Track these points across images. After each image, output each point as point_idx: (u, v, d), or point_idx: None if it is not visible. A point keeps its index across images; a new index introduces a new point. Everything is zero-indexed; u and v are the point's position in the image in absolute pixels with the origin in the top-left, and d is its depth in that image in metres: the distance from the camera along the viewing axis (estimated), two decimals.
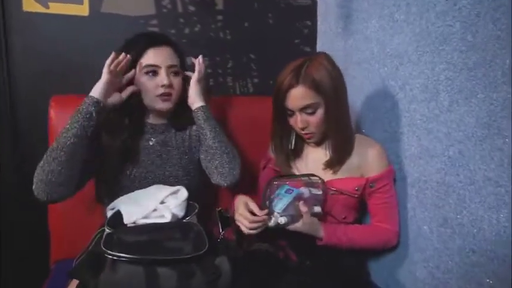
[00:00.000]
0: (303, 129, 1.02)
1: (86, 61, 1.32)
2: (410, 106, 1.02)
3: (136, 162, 1.05)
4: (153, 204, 0.91)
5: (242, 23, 1.53)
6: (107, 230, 0.85)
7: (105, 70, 0.95)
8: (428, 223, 0.97)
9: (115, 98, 0.99)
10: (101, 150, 1.01)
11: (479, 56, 0.80)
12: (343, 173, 1.06)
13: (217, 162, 1.04)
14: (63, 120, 1.16)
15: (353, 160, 1.06)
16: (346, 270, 1.04)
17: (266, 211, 0.95)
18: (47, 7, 1.32)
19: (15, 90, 1.33)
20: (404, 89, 1.04)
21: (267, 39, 1.55)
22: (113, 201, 0.99)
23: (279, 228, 0.96)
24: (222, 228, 1.05)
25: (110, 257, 0.76)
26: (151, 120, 1.10)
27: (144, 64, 1.02)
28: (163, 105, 1.05)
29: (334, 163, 1.06)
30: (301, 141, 1.11)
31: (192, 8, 1.46)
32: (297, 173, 1.10)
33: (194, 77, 1.09)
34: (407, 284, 1.06)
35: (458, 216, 0.87)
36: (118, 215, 0.90)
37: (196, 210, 0.97)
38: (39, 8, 1.32)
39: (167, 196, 0.95)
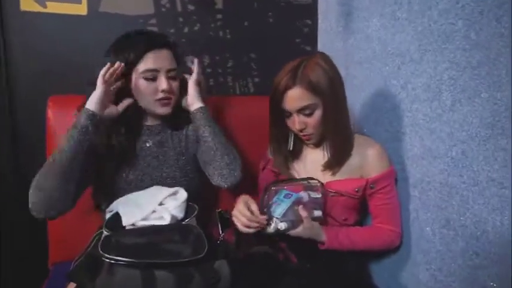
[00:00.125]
0: (301, 130, 1.01)
1: (84, 61, 1.31)
2: (412, 106, 1.00)
3: (133, 165, 1.04)
4: (152, 206, 0.90)
5: (242, 22, 1.52)
6: (105, 233, 0.84)
7: (99, 81, 0.94)
8: (431, 225, 0.96)
9: (111, 111, 0.98)
10: (98, 159, 1.00)
11: (483, 55, 0.78)
12: (342, 174, 1.05)
13: (217, 163, 1.03)
14: (61, 120, 1.17)
15: (352, 161, 1.04)
16: (348, 272, 1.03)
17: (265, 217, 0.94)
18: (45, 6, 1.32)
19: (13, 89, 1.33)
20: (406, 89, 1.03)
21: (267, 39, 1.54)
22: (110, 204, 0.97)
23: (279, 234, 0.95)
24: (221, 230, 1.04)
25: (107, 260, 0.75)
26: (148, 121, 1.09)
27: (143, 69, 0.99)
28: (163, 110, 1.04)
29: (333, 164, 1.04)
30: (299, 143, 1.09)
31: (191, 7, 1.45)
32: (296, 175, 1.09)
33: (192, 78, 1.08)
34: (410, 286, 1.04)
35: (461, 218, 0.86)
36: (116, 217, 0.89)
37: (196, 212, 0.96)
38: (37, 8, 1.31)
39: (166, 197, 0.94)
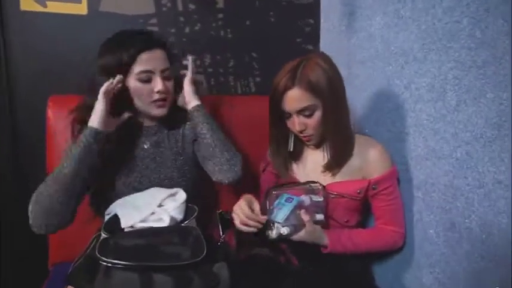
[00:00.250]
0: (301, 131, 1.00)
1: (84, 60, 1.29)
2: (416, 106, 0.99)
3: (131, 168, 1.03)
4: (151, 208, 0.89)
5: (243, 22, 1.50)
6: (103, 235, 0.83)
7: (101, 97, 0.93)
8: (435, 227, 0.94)
9: (110, 126, 0.97)
10: (99, 169, 0.98)
11: (489, 54, 0.77)
12: (343, 175, 1.03)
13: (217, 159, 1.02)
14: (61, 120, 1.17)
15: (353, 162, 1.03)
16: (350, 275, 1.01)
17: (265, 217, 0.93)
18: (45, 6, 1.31)
19: (14, 89, 1.32)
20: (409, 88, 1.01)
21: (268, 38, 1.53)
22: (106, 208, 0.96)
23: (282, 239, 0.94)
24: (222, 231, 1.03)
25: (105, 263, 0.74)
26: (144, 123, 1.08)
27: (138, 71, 0.98)
28: (159, 111, 1.03)
29: (333, 165, 1.03)
30: (300, 143, 1.08)
31: (192, 7, 1.44)
32: (296, 176, 1.08)
33: (187, 77, 1.08)
34: None
35: (466, 221, 0.85)
36: (115, 219, 0.88)
37: (196, 213, 0.95)
38: (37, 7, 1.30)
39: (165, 199, 0.93)
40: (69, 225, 0.93)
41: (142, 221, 0.88)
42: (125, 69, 0.97)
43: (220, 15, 1.47)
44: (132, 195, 0.97)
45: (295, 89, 0.94)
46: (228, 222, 1.03)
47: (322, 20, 1.56)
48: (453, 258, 0.89)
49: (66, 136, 1.04)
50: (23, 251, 1.37)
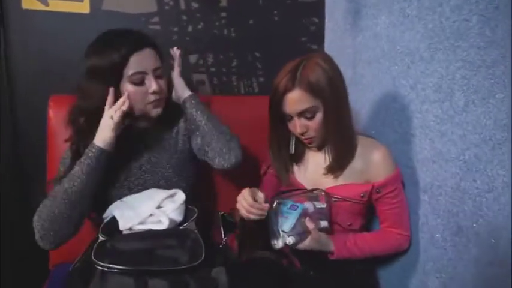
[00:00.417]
0: (302, 134, 0.98)
1: None
2: (422, 107, 0.97)
3: (125, 171, 1.01)
4: (149, 209, 0.88)
5: (247, 20, 1.49)
6: (101, 238, 0.82)
7: (116, 125, 0.93)
8: (442, 231, 0.92)
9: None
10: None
11: (498, 53, 0.74)
12: (346, 178, 1.01)
13: (215, 144, 1.02)
14: (62, 120, 1.15)
15: (356, 164, 1.01)
16: (354, 279, 1.00)
17: (267, 205, 0.91)
18: (47, 4, 1.30)
19: (15, 89, 1.31)
20: (416, 89, 0.99)
21: (272, 37, 1.51)
22: (103, 213, 0.95)
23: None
24: (224, 234, 1.01)
25: (100, 268, 0.73)
26: (137, 124, 1.05)
27: (131, 73, 0.95)
28: (155, 112, 1.02)
29: (335, 168, 1.01)
30: (301, 146, 1.06)
31: (195, 5, 1.43)
32: (298, 179, 1.06)
33: (176, 70, 1.10)
34: None
35: (474, 225, 0.82)
36: (113, 221, 0.87)
37: (196, 216, 0.93)
38: (38, 6, 1.30)
39: (164, 200, 0.91)
40: (74, 236, 0.94)
41: (141, 223, 0.87)
42: (116, 72, 0.95)
43: (224, 14, 1.46)
44: (129, 197, 0.96)
45: (295, 90, 0.92)
46: (230, 225, 1.02)
47: (326, 19, 1.54)
48: (461, 264, 0.87)
49: (67, 136, 1.03)
50: (23, 251, 1.36)
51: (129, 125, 1.02)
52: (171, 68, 1.13)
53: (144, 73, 0.97)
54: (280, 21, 1.51)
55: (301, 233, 0.92)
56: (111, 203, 0.96)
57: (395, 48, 1.07)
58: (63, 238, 0.91)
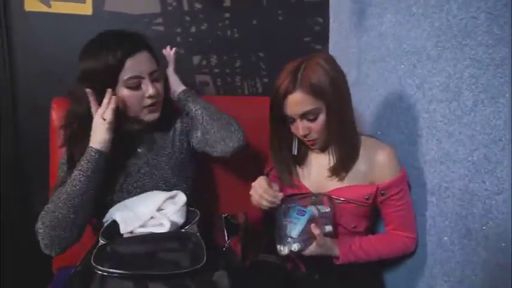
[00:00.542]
0: (305, 136, 0.97)
1: None
2: (429, 106, 0.95)
3: (124, 174, 1.00)
4: (150, 212, 0.87)
5: (250, 21, 1.48)
6: (101, 241, 0.81)
7: (109, 126, 0.91)
8: (450, 234, 0.90)
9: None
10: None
11: (508, 51, 0.73)
12: (350, 180, 0.99)
13: (214, 131, 1.02)
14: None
15: (361, 166, 0.99)
16: (360, 283, 0.98)
17: (282, 194, 0.91)
18: (49, 6, 1.30)
19: (18, 91, 1.31)
20: (422, 88, 0.97)
21: (276, 37, 1.50)
22: (102, 217, 0.94)
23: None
24: (227, 237, 1.00)
25: (100, 272, 0.72)
26: (135, 127, 1.04)
27: (126, 77, 0.93)
28: (151, 116, 1.00)
29: (339, 169, 0.99)
30: (304, 147, 1.05)
31: (198, 6, 1.42)
32: (301, 181, 1.04)
33: (171, 67, 1.11)
34: None
35: (483, 228, 0.80)
36: (114, 224, 0.86)
37: (197, 218, 0.92)
38: (41, 8, 1.30)
39: (164, 201, 0.90)
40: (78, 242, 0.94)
41: (142, 226, 0.86)
42: (111, 77, 0.93)
43: (227, 15, 1.45)
44: (130, 200, 0.94)
45: (297, 92, 0.91)
46: (233, 227, 1.00)
47: (331, 19, 1.53)
48: (469, 267, 0.85)
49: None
50: (26, 253, 1.36)
51: (126, 128, 1.01)
52: (166, 66, 1.13)
53: (140, 77, 0.95)
54: (284, 21, 1.50)
55: (307, 238, 0.91)
56: (110, 207, 0.94)
57: (401, 47, 1.06)
58: (68, 243, 0.90)
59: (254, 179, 0.94)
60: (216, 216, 1.07)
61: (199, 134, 1.05)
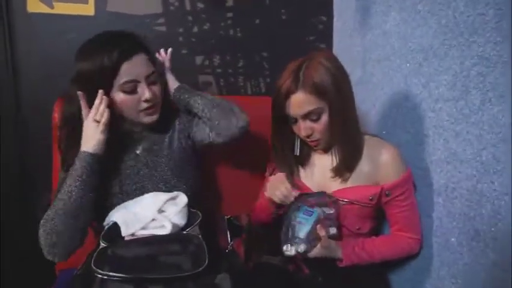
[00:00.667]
0: (307, 136, 0.95)
1: None
2: (435, 106, 0.93)
3: (123, 176, 0.99)
4: (151, 213, 0.86)
5: (253, 20, 1.47)
6: (102, 244, 0.80)
7: (104, 127, 0.90)
8: (457, 235, 0.88)
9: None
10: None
11: None
12: (354, 180, 0.98)
13: (217, 116, 1.00)
14: None
15: (364, 166, 0.98)
16: (364, 285, 0.96)
17: (296, 193, 0.91)
18: (52, 7, 1.30)
19: (20, 92, 1.32)
20: (428, 87, 0.96)
21: (279, 37, 1.49)
22: (102, 221, 0.93)
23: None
24: (230, 238, 0.99)
25: (100, 276, 0.71)
26: (134, 129, 1.03)
27: (122, 82, 0.91)
28: (149, 119, 0.99)
29: (342, 170, 0.98)
30: (306, 147, 1.03)
31: (200, 5, 1.41)
32: (304, 182, 1.03)
33: (166, 65, 1.10)
34: None
35: (492, 229, 0.79)
36: (114, 227, 0.85)
37: (199, 220, 0.90)
38: (43, 9, 1.30)
39: (165, 203, 0.89)
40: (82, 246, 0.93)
41: (143, 228, 0.85)
42: (107, 80, 0.91)
43: (230, 14, 1.44)
44: (130, 202, 0.93)
45: (299, 92, 0.90)
46: (236, 229, 0.99)
47: (335, 18, 1.51)
48: (477, 269, 0.83)
49: None
50: (29, 255, 1.36)
51: (123, 129, 1.00)
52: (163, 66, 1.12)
53: (136, 81, 0.93)
54: (287, 20, 1.49)
55: (312, 239, 0.90)
56: (110, 209, 0.93)
57: (406, 45, 1.04)
58: (70, 249, 0.89)
59: (257, 180, 0.93)
60: (218, 218, 1.06)
61: (200, 125, 1.05)
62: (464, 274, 0.86)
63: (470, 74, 0.82)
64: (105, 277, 0.72)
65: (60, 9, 1.31)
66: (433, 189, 0.96)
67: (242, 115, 1.02)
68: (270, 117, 1.01)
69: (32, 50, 1.31)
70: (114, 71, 0.90)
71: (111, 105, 0.93)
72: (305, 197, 0.94)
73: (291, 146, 1.01)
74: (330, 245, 0.92)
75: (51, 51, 1.32)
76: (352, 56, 1.35)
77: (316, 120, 0.92)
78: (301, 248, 0.88)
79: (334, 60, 0.93)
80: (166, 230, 0.84)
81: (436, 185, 0.95)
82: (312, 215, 0.91)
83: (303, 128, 0.93)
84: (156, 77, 0.99)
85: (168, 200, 0.90)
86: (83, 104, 0.92)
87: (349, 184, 0.98)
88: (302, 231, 0.90)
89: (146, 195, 0.94)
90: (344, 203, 0.97)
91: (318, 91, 0.89)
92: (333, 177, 0.99)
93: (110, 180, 0.97)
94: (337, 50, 1.50)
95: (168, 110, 1.06)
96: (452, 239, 0.90)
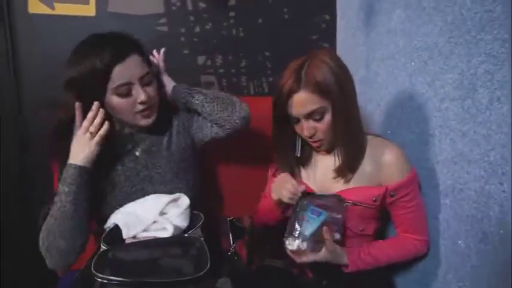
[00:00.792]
0: (310, 136, 0.94)
1: None
2: (441, 105, 0.91)
3: (123, 179, 0.98)
4: (152, 216, 0.86)
5: (256, 20, 1.46)
6: (102, 247, 0.79)
7: (98, 141, 0.88)
8: (464, 238, 0.86)
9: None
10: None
11: None
12: (357, 181, 0.97)
13: (217, 109, 1.00)
14: None
15: (368, 166, 0.96)
16: None
17: (304, 187, 0.90)
18: (53, 8, 1.31)
19: (22, 92, 1.32)
20: (433, 86, 0.94)
21: (282, 36, 1.48)
22: (103, 224, 0.92)
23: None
24: (233, 241, 0.98)
25: (99, 280, 0.70)
26: (131, 131, 1.02)
27: (115, 85, 0.90)
28: (145, 122, 0.97)
29: (345, 170, 0.96)
30: (308, 148, 1.02)
31: (202, 5, 1.41)
32: (306, 183, 1.01)
33: (162, 69, 1.09)
34: None
35: (501, 232, 0.77)
36: (116, 230, 0.84)
37: (201, 222, 0.90)
38: (44, 10, 1.31)
39: (167, 205, 0.88)
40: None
41: (145, 230, 0.85)
42: (99, 83, 0.89)
43: (232, 14, 1.44)
44: (132, 204, 0.92)
45: (302, 92, 0.88)
46: (239, 231, 0.98)
47: (338, 16, 1.50)
48: (485, 272, 0.81)
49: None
50: (29, 255, 1.36)
51: (121, 131, 0.99)
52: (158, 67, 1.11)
53: (130, 84, 0.91)
54: (290, 19, 1.48)
55: (316, 241, 0.89)
56: (111, 213, 0.92)
57: (411, 43, 1.03)
58: (71, 258, 0.88)
59: (259, 181, 0.92)
60: (220, 220, 1.05)
61: (200, 121, 1.04)
62: (472, 277, 0.85)
63: (478, 72, 0.80)
64: (105, 281, 0.71)
65: (61, 10, 1.31)
66: (440, 190, 0.94)
67: (243, 105, 1.02)
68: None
69: (33, 50, 1.31)
70: (107, 74, 0.88)
71: (108, 112, 0.92)
72: (313, 197, 0.94)
73: (293, 147, 1.00)
74: (336, 250, 0.90)
75: (52, 52, 1.32)
76: (356, 55, 1.34)
77: (319, 120, 0.91)
78: (304, 245, 0.87)
79: (337, 59, 0.92)
80: (168, 233, 0.84)
81: (442, 186, 0.93)
82: (319, 215, 0.90)
83: (305, 128, 0.92)
84: (151, 77, 0.97)
85: (170, 202, 0.89)
86: (78, 115, 0.90)
87: (351, 185, 0.97)
88: (308, 230, 0.89)
89: (148, 197, 0.93)
90: (347, 204, 0.95)
91: (320, 90, 0.87)
92: (335, 178, 0.98)
93: (110, 183, 0.96)
94: (340, 49, 1.48)
95: (166, 110, 1.04)
96: (460, 242, 0.88)
